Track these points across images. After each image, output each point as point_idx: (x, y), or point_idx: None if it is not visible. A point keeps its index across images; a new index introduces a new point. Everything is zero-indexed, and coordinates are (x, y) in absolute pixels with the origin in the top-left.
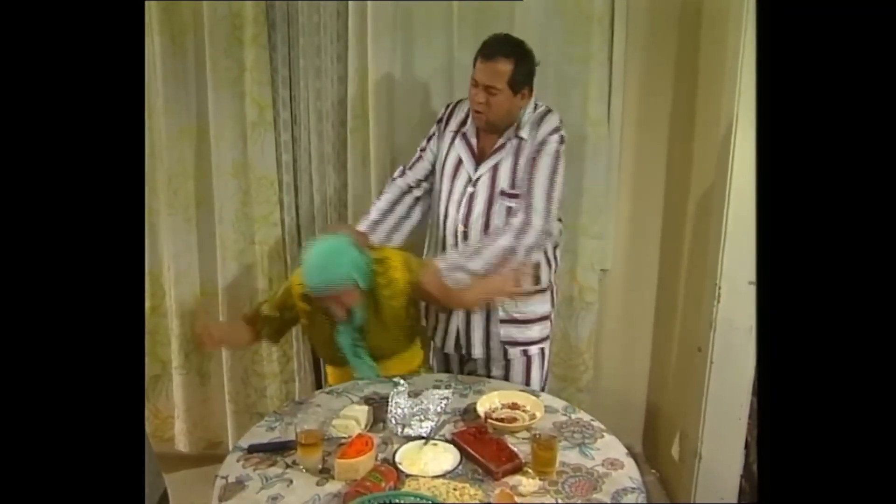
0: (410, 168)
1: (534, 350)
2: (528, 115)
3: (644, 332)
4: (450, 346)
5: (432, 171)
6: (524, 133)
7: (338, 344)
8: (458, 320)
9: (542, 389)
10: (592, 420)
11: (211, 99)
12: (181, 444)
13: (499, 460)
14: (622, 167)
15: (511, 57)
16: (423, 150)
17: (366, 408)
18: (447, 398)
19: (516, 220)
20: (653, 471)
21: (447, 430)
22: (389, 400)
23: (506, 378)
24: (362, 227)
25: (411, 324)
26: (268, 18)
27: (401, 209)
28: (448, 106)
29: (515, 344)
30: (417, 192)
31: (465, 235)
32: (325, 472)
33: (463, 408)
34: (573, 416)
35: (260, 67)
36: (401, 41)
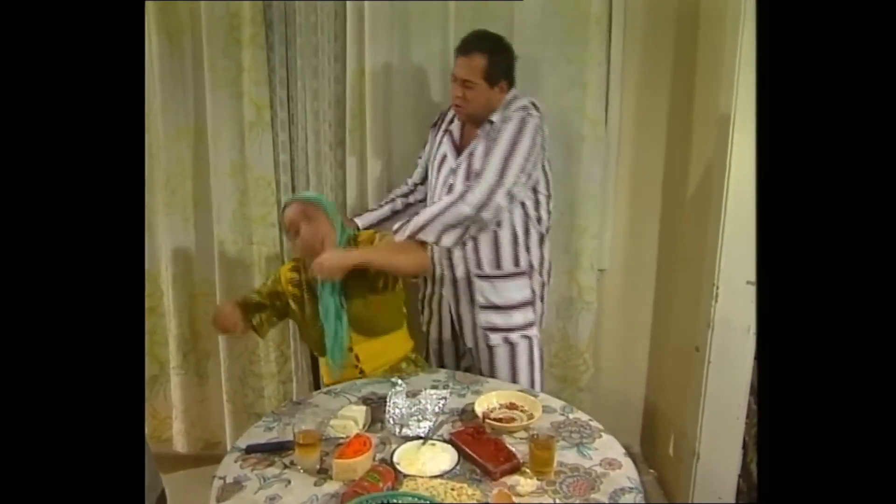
0: (410, 176)
1: (516, 337)
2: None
3: (642, 332)
4: (445, 337)
5: (426, 176)
6: (495, 118)
7: (323, 308)
8: (449, 309)
9: (532, 384)
10: (590, 420)
11: (208, 99)
12: (179, 445)
13: (497, 460)
14: (620, 167)
15: (485, 52)
16: (419, 157)
17: (364, 408)
18: (445, 398)
19: (465, 182)
20: (651, 470)
21: (445, 430)
22: (387, 400)
23: (491, 368)
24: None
25: (391, 300)
26: (265, 18)
27: (387, 207)
28: (440, 114)
29: (496, 330)
30: (412, 198)
31: None
32: (322, 473)
33: (461, 408)
34: (571, 416)
35: (257, 68)
36: (398, 41)
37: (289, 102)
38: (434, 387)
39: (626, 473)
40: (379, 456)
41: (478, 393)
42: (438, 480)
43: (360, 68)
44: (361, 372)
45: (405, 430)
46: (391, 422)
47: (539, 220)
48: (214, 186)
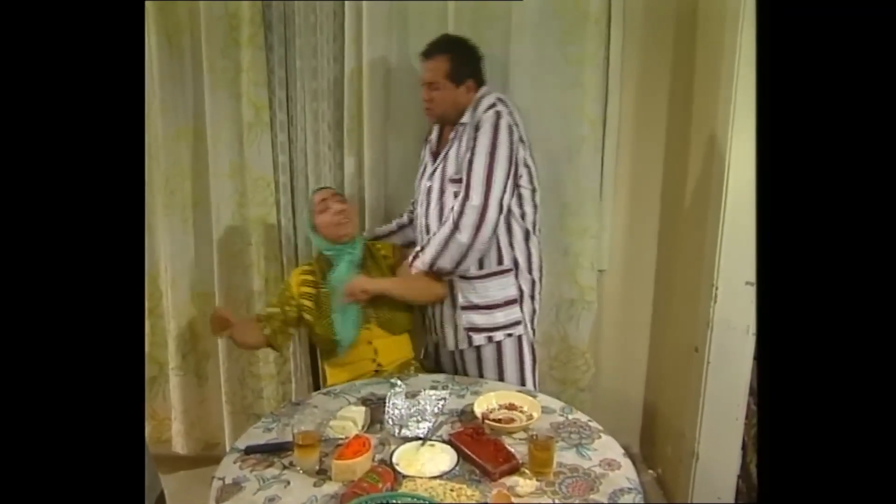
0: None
1: (500, 336)
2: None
3: (641, 333)
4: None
5: None
6: (465, 118)
7: (336, 279)
8: (438, 314)
9: (522, 384)
10: (589, 420)
11: (207, 100)
12: (178, 446)
13: (496, 461)
14: (619, 167)
15: (446, 53)
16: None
17: (363, 409)
18: (444, 399)
19: (456, 206)
20: (650, 471)
21: (444, 430)
22: (387, 401)
23: (478, 369)
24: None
25: (400, 304)
26: (264, 19)
27: (394, 223)
28: (430, 128)
29: (478, 330)
30: (413, 215)
31: (427, 229)
32: (322, 474)
33: (460, 409)
34: (570, 417)
35: (256, 68)
36: (397, 42)
37: (288, 103)
38: (433, 388)
39: (626, 474)
40: (378, 457)
41: (477, 394)
42: (438, 481)
43: (359, 69)
44: (379, 366)
45: (404, 431)
46: (390, 422)
47: (523, 216)
48: (213, 187)
